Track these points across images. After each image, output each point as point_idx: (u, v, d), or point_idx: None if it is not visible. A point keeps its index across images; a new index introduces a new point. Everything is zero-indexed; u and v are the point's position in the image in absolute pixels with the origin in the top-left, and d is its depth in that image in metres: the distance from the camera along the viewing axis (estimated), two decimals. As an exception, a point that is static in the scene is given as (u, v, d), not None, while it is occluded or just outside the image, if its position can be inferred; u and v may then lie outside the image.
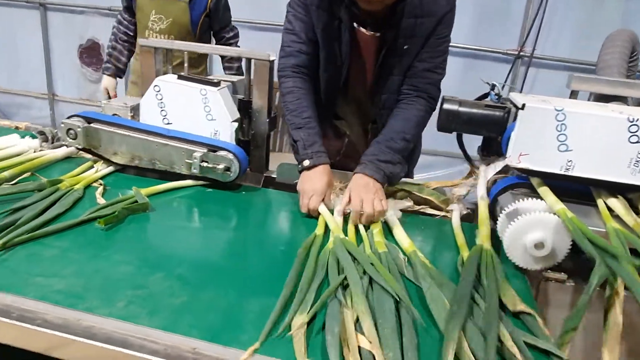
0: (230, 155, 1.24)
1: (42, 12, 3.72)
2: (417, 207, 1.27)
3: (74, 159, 1.41)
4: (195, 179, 1.30)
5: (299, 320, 0.77)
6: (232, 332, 0.76)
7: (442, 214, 1.25)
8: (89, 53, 3.79)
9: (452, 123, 1.24)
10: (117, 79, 2.44)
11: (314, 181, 1.20)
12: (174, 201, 1.23)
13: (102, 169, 1.34)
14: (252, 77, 1.39)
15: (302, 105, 1.29)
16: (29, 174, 1.26)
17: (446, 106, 1.24)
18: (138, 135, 1.29)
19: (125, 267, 0.91)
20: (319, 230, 1.09)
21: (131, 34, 2.36)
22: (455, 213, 1.20)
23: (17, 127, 1.70)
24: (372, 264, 0.93)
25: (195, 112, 1.31)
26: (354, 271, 0.90)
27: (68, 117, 1.33)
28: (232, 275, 0.92)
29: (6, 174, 1.20)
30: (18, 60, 4.00)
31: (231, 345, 0.73)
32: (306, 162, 1.22)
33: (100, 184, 1.24)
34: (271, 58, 1.36)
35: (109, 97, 2.41)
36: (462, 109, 1.22)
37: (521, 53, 3.10)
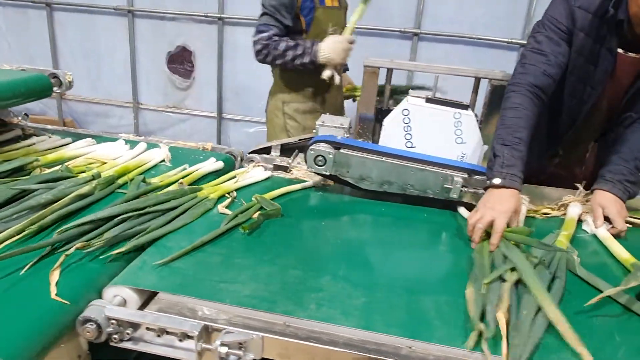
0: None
1: (130, 19, 3.75)
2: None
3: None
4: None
5: (501, 316, 0.81)
6: (429, 329, 0.82)
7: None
8: (178, 60, 3.81)
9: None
10: None
11: (502, 201, 1.17)
12: (293, 203, 1.30)
13: (242, 180, 1.41)
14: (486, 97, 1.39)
15: (519, 125, 1.27)
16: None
17: None
18: (391, 160, 1.30)
19: (294, 271, 0.98)
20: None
21: None
22: None
23: (204, 148, 1.72)
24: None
25: (443, 135, 1.31)
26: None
27: (312, 143, 1.34)
28: (396, 274, 1.02)
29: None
30: (101, 68, 4.03)
31: (442, 342, 0.78)
32: (497, 181, 1.20)
33: (231, 195, 1.31)
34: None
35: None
36: None
37: None
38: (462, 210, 1.30)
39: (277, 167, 1.54)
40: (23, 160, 1.36)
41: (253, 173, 1.48)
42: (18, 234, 1.01)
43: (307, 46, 1.94)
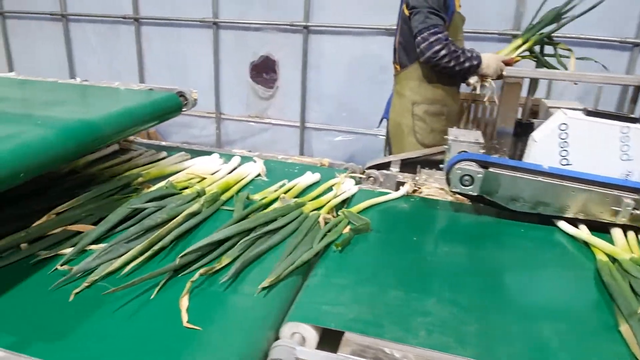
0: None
1: (215, 30, 3.81)
2: None
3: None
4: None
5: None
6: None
7: None
8: (261, 70, 3.83)
9: None
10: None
11: None
12: (379, 216, 1.24)
13: (341, 192, 1.37)
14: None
15: None
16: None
17: None
18: (548, 179, 1.19)
19: (395, 291, 0.92)
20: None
21: None
22: None
23: (321, 164, 1.67)
24: None
25: (606, 151, 1.19)
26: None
27: (456, 161, 1.25)
28: (507, 297, 0.94)
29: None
30: (185, 80, 4.13)
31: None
32: None
33: (336, 211, 1.28)
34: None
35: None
36: None
37: None
38: (562, 225, 1.19)
39: (400, 185, 1.46)
40: (129, 177, 1.40)
41: (348, 184, 1.43)
42: (140, 255, 1.03)
43: (474, 52, 1.99)
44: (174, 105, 1.47)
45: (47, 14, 4.38)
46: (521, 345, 0.79)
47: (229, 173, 1.50)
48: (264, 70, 3.84)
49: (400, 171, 1.52)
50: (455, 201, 1.33)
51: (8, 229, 1.08)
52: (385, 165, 1.55)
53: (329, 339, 0.80)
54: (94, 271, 0.98)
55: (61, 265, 0.99)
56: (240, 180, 1.46)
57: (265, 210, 1.23)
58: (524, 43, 2.17)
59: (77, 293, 0.91)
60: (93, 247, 1.07)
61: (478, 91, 1.94)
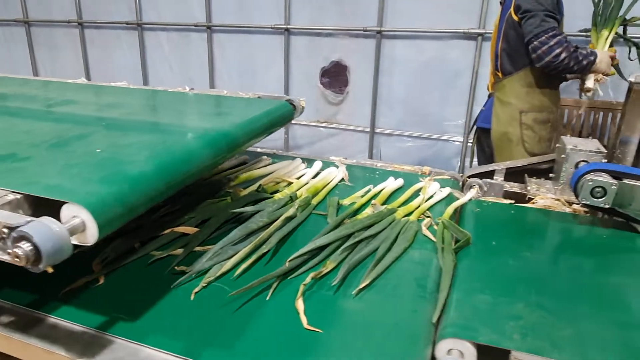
0: None
1: (286, 36, 3.86)
2: None
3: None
4: None
5: None
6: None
7: None
8: (331, 75, 3.85)
9: None
10: None
11: None
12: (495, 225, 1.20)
13: (427, 196, 1.36)
14: None
15: None
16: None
17: None
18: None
19: (481, 295, 0.90)
20: None
21: None
22: None
23: (422, 172, 1.63)
24: None
25: None
26: None
27: (585, 173, 1.18)
28: (600, 304, 0.89)
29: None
30: (255, 85, 4.21)
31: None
32: None
33: (428, 216, 1.27)
34: None
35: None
36: None
37: None
38: None
39: (508, 194, 1.40)
40: (219, 180, 1.47)
41: (433, 188, 1.43)
42: (247, 257, 1.08)
43: (587, 49, 1.96)
44: (287, 113, 1.49)
45: (123, 24, 4.58)
46: (619, 351, 0.77)
47: (313, 178, 1.54)
48: (334, 76, 3.85)
49: (504, 180, 1.46)
50: (573, 212, 1.26)
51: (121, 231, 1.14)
52: (487, 174, 1.50)
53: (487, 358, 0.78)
54: (207, 272, 1.03)
55: (177, 266, 1.04)
56: (326, 185, 1.49)
57: (359, 217, 1.25)
58: (609, 33, 2.11)
59: (196, 292, 0.96)
60: (199, 248, 1.12)
61: (597, 93, 1.86)
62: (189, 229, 1.19)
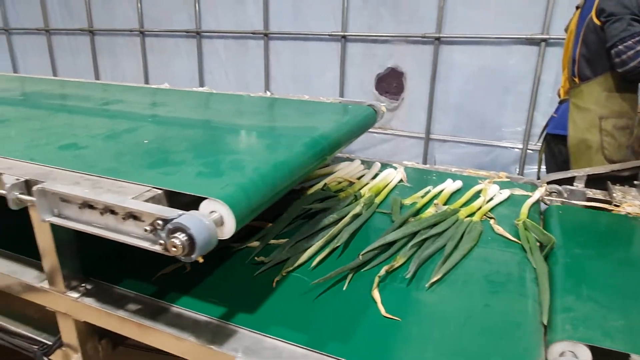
0: None
1: (343, 43, 3.90)
2: None
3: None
4: None
5: None
6: None
7: None
8: (387, 81, 3.86)
9: None
10: None
11: None
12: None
13: (489, 197, 1.39)
14: None
15: None
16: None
17: None
18: None
19: (583, 298, 0.89)
20: None
21: None
22: None
23: (499, 178, 1.62)
24: None
25: None
26: None
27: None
28: None
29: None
30: (309, 91, 4.27)
31: None
32: None
33: (491, 217, 1.31)
34: None
35: None
36: None
37: None
38: None
39: (591, 201, 1.36)
40: None
41: (493, 190, 1.47)
42: (321, 250, 1.14)
43: None
44: (371, 118, 1.54)
45: (182, 32, 4.74)
46: None
47: (373, 178, 1.60)
48: (389, 82, 3.85)
49: (585, 187, 1.44)
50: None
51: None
52: (565, 181, 1.48)
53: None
54: (285, 262, 1.10)
55: (257, 257, 1.11)
56: (387, 185, 1.55)
57: (423, 216, 1.30)
58: None
59: (277, 281, 1.03)
60: (274, 241, 1.20)
61: None
62: (263, 223, 1.26)
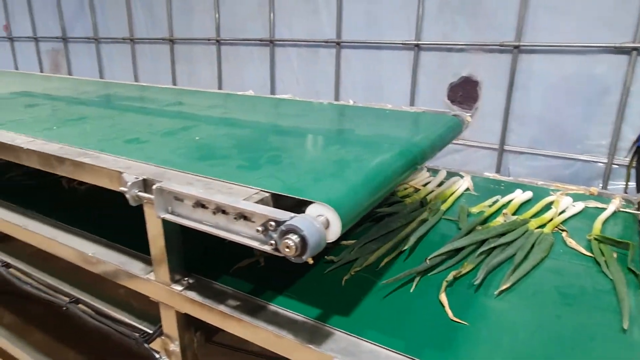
0: None
1: (416, 52, 3.89)
2: None
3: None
4: None
5: None
6: None
7: None
8: (459, 90, 3.80)
9: None
10: None
11: None
12: None
13: (562, 209, 1.38)
14: None
15: None
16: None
17: None
18: None
19: None
20: None
21: None
22: None
23: (590, 193, 1.57)
24: None
25: None
26: None
27: None
28: None
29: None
30: (379, 100, 4.27)
31: None
32: None
33: (563, 229, 1.29)
34: None
35: None
36: None
37: None
38: None
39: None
40: None
41: (566, 202, 1.44)
42: (388, 252, 1.17)
43: None
44: (457, 128, 1.55)
45: (256, 41, 4.89)
46: None
47: (439, 186, 1.62)
48: (462, 91, 3.79)
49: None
50: None
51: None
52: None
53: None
54: (354, 262, 1.14)
55: (327, 256, 1.16)
56: (453, 193, 1.56)
57: (492, 224, 1.30)
58: None
59: (346, 279, 1.07)
60: (343, 242, 1.24)
61: None
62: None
